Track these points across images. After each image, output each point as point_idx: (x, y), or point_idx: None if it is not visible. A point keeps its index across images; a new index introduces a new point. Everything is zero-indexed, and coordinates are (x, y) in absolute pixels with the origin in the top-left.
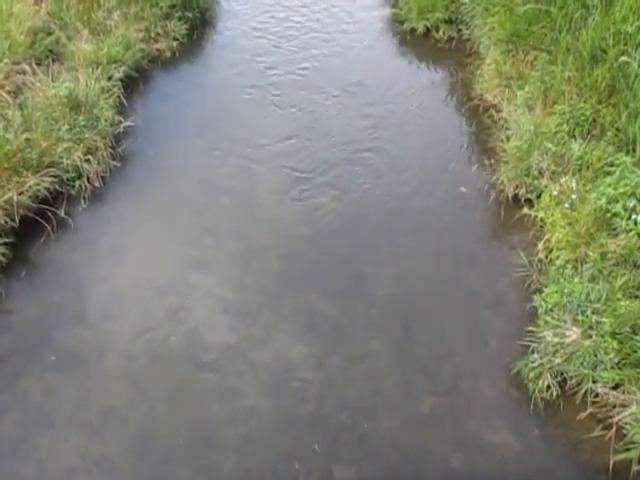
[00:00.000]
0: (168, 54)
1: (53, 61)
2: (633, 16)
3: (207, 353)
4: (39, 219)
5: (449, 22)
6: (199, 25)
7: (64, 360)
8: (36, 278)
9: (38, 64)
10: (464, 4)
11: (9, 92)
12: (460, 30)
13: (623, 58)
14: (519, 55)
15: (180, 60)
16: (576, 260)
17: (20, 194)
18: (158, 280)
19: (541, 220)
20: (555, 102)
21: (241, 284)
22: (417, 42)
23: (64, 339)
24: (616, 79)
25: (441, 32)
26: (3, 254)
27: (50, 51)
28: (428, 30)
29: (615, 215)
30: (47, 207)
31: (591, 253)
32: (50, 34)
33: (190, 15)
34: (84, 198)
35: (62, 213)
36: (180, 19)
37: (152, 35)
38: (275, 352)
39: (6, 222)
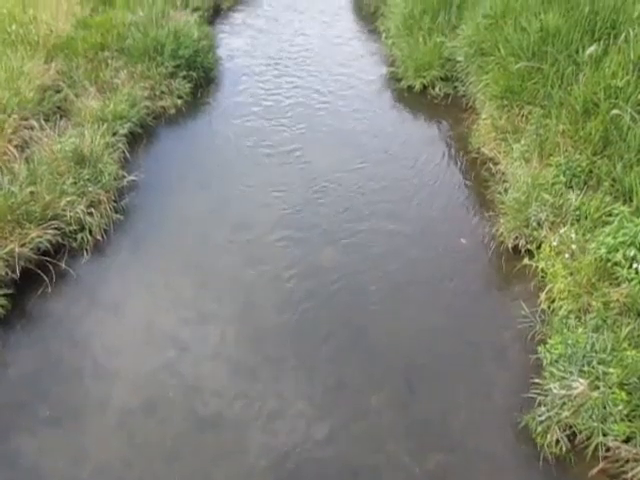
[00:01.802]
0: (172, 111)
1: (61, 117)
2: (622, 71)
3: (206, 408)
4: (40, 271)
5: (445, 79)
6: (203, 83)
7: (59, 415)
8: (34, 330)
9: (46, 120)
10: (459, 62)
11: (16, 146)
12: (456, 87)
13: (615, 111)
14: (514, 110)
15: (184, 117)
16: (579, 310)
17: (22, 246)
18: (157, 334)
19: (542, 270)
20: (551, 154)
21: (240, 338)
22: (414, 99)
23: (60, 393)
24: (609, 131)
25: (437, 89)
26: (2, 306)
27: (58, 107)
28: (425, 87)
29: (616, 264)
30: (48, 259)
31: (594, 303)
32: (59, 91)
33: (194, 74)
34: (86, 250)
35: (63, 265)
36: (185, 78)
37: (157, 93)
38: (275, 408)
39: (7, 273)
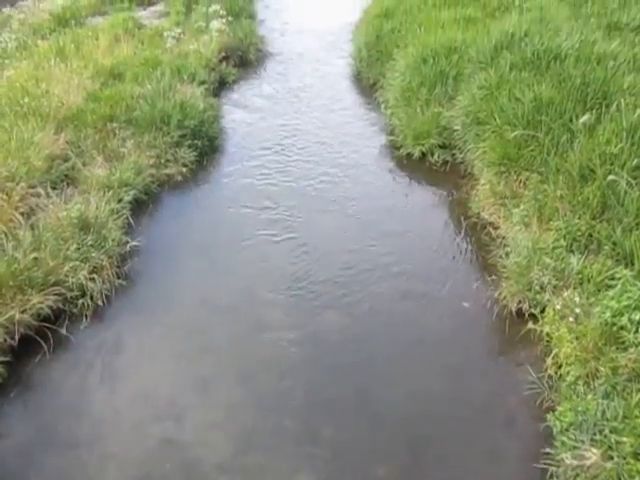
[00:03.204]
0: (177, 179)
1: (67, 185)
2: (616, 139)
3: None
4: (39, 337)
5: (443, 147)
6: (208, 152)
7: None
8: (31, 399)
9: (53, 187)
10: (456, 131)
11: (22, 213)
12: (454, 154)
13: (611, 177)
14: (512, 176)
15: (188, 185)
16: (587, 375)
17: (22, 312)
18: (156, 404)
19: (547, 335)
20: (550, 219)
21: (240, 407)
22: (413, 166)
23: (53, 464)
24: (607, 196)
25: (436, 156)
26: None
27: (66, 175)
28: (423, 154)
29: (622, 328)
30: (48, 325)
31: (602, 368)
32: (67, 160)
33: (199, 143)
34: (86, 316)
35: (63, 331)
36: (190, 147)
37: (162, 161)
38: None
39: (5, 340)
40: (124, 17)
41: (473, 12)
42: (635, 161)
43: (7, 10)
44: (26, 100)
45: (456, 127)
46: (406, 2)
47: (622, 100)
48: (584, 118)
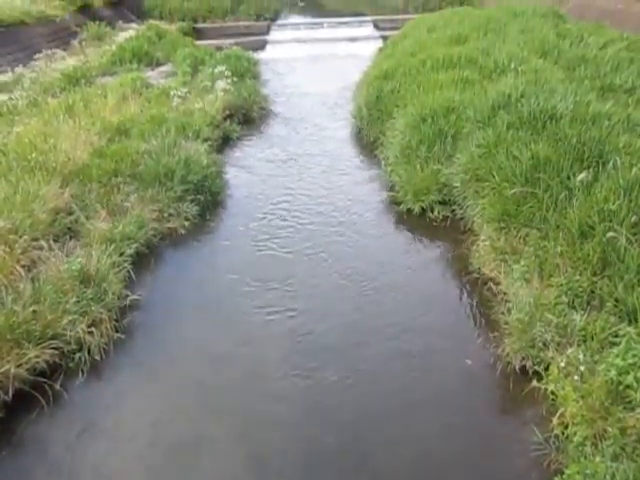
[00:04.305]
0: (179, 233)
1: (70, 238)
2: (614, 196)
3: None
4: (34, 392)
5: (443, 203)
6: (210, 206)
7: None
8: (22, 458)
9: (55, 240)
10: (456, 187)
11: (24, 266)
12: (454, 210)
13: (610, 234)
14: (511, 232)
15: (190, 239)
16: (595, 436)
17: (18, 366)
18: (150, 464)
19: (552, 393)
20: (551, 275)
21: (240, 470)
22: (414, 221)
23: None
24: (607, 253)
25: (436, 212)
26: None
27: (69, 229)
28: (423, 210)
29: (628, 387)
30: (44, 380)
31: (609, 429)
32: (70, 214)
33: (202, 198)
34: (82, 371)
35: (58, 386)
36: (192, 201)
37: (165, 215)
38: None
39: None
40: (132, 77)
41: (470, 74)
42: (633, 218)
43: (19, 69)
44: (33, 155)
45: (455, 184)
46: (405, 65)
47: (618, 159)
48: (581, 176)
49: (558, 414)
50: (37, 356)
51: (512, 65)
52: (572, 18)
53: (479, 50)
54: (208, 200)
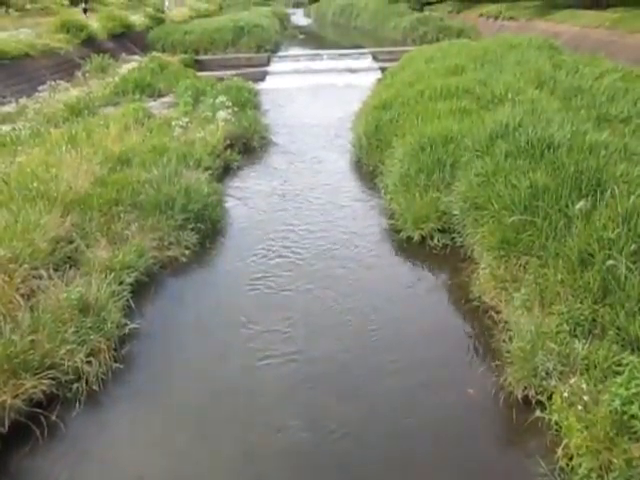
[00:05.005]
0: (179, 261)
1: (70, 266)
2: (612, 224)
3: None
4: (29, 423)
5: (442, 231)
6: (210, 235)
7: None
8: None
9: (55, 269)
10: (455, 215)
11: (23, 295)
12: (453, 238)
13: (610, 262)
14: (511, 260)
15: (190, 267)
16: (600, 468)
17: (15, 397)
18: None
19: (556, 423)
20: (552, 303)
21: None
22: (414, 249)
23: None
24: (607, 281)
25: (436, 240)
26: None
27: (69, 257)
28: (423, 238)
29: (633, 417)
30: (39, 411)
31: (615, 460)
32: (71, 242)
33: (202, 226)
34: (79, 401)
35: (54, 417)
36: (193, 230)
37: (165, 244)
38: None
39: None
40: (135, 107)
41: (468, 104)
42: (633, 246)
43: (23, 100)
44: (35, 184)
45: (455, 212)
46: (403, 95)
47: (616, 187)
48: (580, 204)
49: (563, 445)
50: (34, 386)
51: (509, 95)
52: (567, 49)
53: (476, 81)
54: (208, 228)
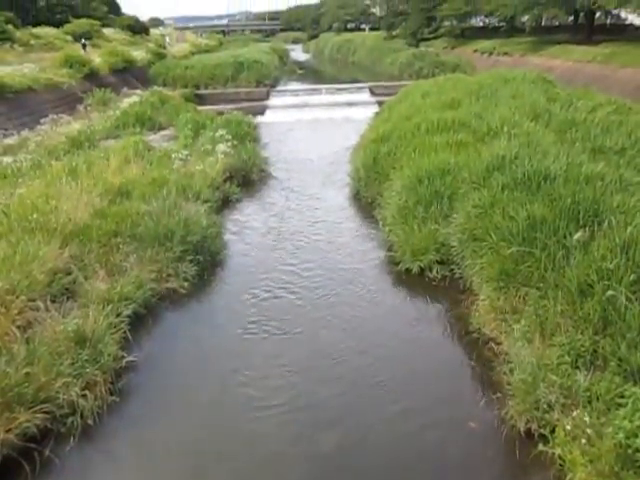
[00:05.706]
0: (178, 293)
1: (68, 298)
2: (611, 254)
3: None
4: (21, 459)
5: (441, 262)
6: (209, 266)
7: None
8: None
9: (53, 301)
10: (453, 247)
11: (19, 327)
12: (452, 269)
13: (610, 292)
14: (511, 291)
15: (189, 299)
16: None
17: (8, 431)
18: None
19: (560, 457)
20: (553, 334)
21: None
22: (413, 281)
23: None
24: (607, 311)
25: (434, 271)
26: None
27: (66, 289)
28: (422, 270)
29: (637, 450)
30: (34, 445)
31: None
32: (69, 274)
33: (201, 258)
34: (74, 436)
35: (48, 451)
36: (191, 261)
37: (164, 275)
38: None
39: None
40: (135, 140)
41: (464, 137)
42: (632, 276)
43: (25, 133)
44: (35, 216)
45: (453, 243)
46: (400, 128)
47: (613, 218)
48: (578, 235)
49: None
50: (28, 420)
51: (505, 128)
52: (561, 83)
53: (472, 114)
54: (207, 260)
